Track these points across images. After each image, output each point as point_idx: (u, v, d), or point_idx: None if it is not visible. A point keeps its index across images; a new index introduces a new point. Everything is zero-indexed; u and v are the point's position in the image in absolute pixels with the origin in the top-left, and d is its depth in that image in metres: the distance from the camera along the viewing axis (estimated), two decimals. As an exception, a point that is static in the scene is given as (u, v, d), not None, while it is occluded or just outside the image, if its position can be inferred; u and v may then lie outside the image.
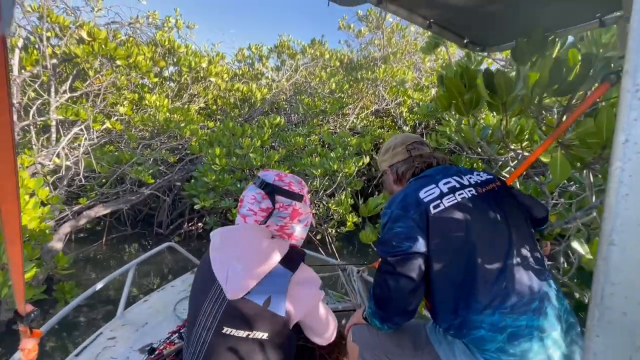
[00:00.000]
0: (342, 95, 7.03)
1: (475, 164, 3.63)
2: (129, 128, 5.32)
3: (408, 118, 7.43)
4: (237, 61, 8.72)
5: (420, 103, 7.36)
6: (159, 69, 6.11)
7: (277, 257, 0.91)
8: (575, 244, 1.30)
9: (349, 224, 4.92)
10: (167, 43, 5.79)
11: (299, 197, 1.02)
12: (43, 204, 3.29)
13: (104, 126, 4.88)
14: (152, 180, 5.00)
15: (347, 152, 5.08)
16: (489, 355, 0.91)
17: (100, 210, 5.03)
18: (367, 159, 4.86)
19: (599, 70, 1.06)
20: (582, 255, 1.29)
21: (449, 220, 0.97)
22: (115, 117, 5.24)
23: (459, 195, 1.02)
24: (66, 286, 3.78)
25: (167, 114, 5.30)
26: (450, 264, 0.97)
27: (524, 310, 0.90)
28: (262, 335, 0.86)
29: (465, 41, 1.39)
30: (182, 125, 5.40)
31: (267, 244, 0.92)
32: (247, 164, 4.89)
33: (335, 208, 4.96)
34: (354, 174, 4.86)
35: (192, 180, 5.12)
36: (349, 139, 5.09)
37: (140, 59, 4.66)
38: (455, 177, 1.09)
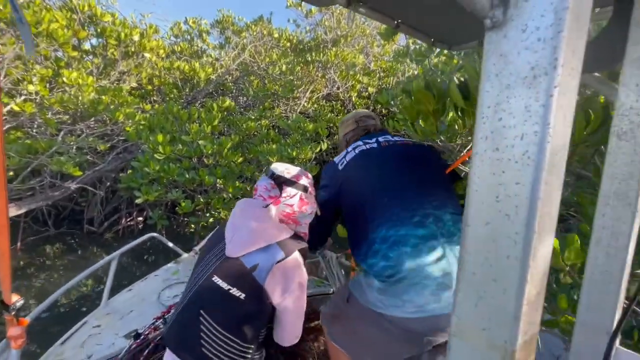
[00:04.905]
0: (293, 78, 6.81)
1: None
2: (43, 111, 4.45)
3: (357, 103, 7.55)
4: (174, 36, 7.82)
5: (369, 88, 7.53)
6: (77, 41, 5.17)
7: (278, 236, 1.05)
8: None
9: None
10: (86, 9, 4.89)
11: (304, 188, 1.16)
12: None
13: (8, 107, 4.00)
14: (80, 172, 4.30)
15: (303, 137, 4.98)
16: (376, 264, 1.08)
17: (12, 211, 4.20)
18: (324, 145, 4.84)
19: None
20: None
21: (350, 168, 1.25)
22: (23, 97, 4.32)
23: (358, 149, 1.29)
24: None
25: (94, 94, 4.55)
26: (355, 199, 1.20)
27: (406, 223, 1.07)
28: (240, 294, 0.99)
29: (432, 40, 1.45)
30: (113, 107, 4.69)
31: (274, 222, 1.07)
32: (195, 151, 4.48)
33: (293, 195, 4.88)
34: (311, 159, 4.81)
35: (130, 171, 4.54)
36: (305, 124, 4.98)
37: (56, 27, 3.86)
38: (365, 140, 1.34)
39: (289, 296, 1.03)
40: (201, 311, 0.99)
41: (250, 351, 1.02)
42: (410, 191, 1.15)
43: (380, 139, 1.34)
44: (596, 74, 0.91)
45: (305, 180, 1.17)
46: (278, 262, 1.01)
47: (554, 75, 0.31)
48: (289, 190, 1.12)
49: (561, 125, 0.33)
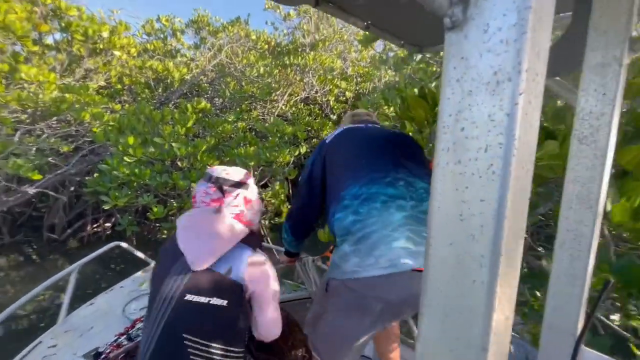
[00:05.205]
0: (270, 81, 6.74)
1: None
2: (-3, 109, 4.12)
3: (335, 107, 7.59)
4: (146, 34, 7.53)
5: (347, 93, 7.58)
6: (38, 34, 4.85)
7: (238, 237, 1.05)
8: None
9: (284, 215, 4.84)
10: (49, 1, 4.60)
11: (245, 186, 1.16)
12: None
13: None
14: (39, 176, 4.01)
15: (281, 141, 4.92)
16: (344, 218, 1.12)
17: (-40, 217, 3.84)
18: (303, 149, 4.80)
19: None
20: None
21: (336, 140, 1.32)
22: (-26, 94, 3.98)
23: (346, 126, 1.38)
24: None
25: (57, 92, 4.27)
26: (336, 164, 1.26)
27: (377, 182, 1.13)
28: (222, 302, 0.96)
29: (402, 42, 1.47)
30: (78, 107, 4.41)
31: (229, 225, 1.05)
32: (168, 154, 4.31)
33: (270, 199, 4.80)
34: (290, 163, 4.77)
35: (97, 174, 4.29)
36: (283, 128, 4.93)
37: (13, 19, 3.60)
38: (355, 124, 1.44)
39: (267, 282, 1.06)
40: (184, 335, 0.95)
41: (242, 354, 1.02)
42: (389, 164, 1.20)
43: (370, 125, 1.44)
44: (557, 78, 0.94)
45: (245, 179, 1.17)
46: (249, 257, 1.03)
47: (518, 80, 0.29)
48: (231, 192, 1.13)
49: (527, 136, 0.31)
